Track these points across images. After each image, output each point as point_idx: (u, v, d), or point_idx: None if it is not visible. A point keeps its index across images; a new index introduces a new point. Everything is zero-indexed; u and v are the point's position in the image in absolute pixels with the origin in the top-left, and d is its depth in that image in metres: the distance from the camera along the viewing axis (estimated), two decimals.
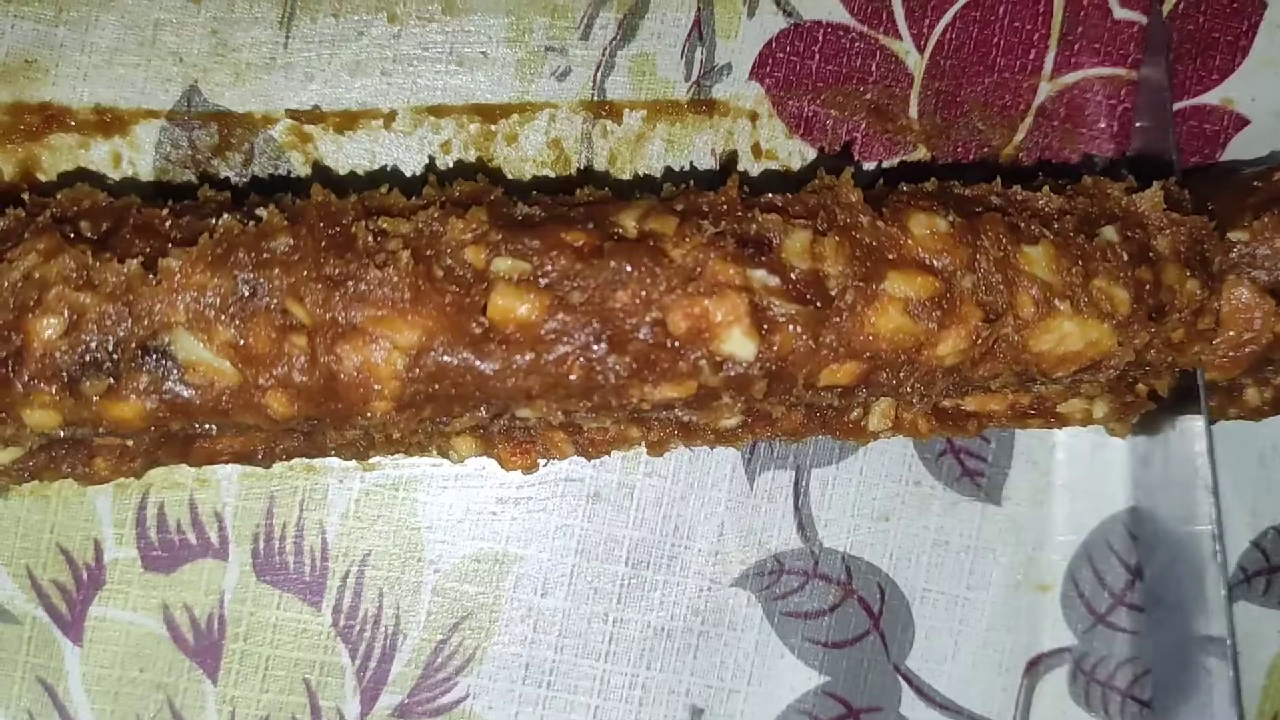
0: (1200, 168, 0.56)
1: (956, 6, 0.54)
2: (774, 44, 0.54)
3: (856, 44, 0.54)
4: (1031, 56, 0.55)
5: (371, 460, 0.52)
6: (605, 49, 0.53)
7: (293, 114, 0.52)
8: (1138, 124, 0.55)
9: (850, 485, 0.55)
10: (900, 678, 0.55)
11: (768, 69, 0.54)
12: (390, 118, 0.52)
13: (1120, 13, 0.55)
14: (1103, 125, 0.56)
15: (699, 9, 0.53)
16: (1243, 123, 0.56)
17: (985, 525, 0.56)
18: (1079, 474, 0.56)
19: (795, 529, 0.55)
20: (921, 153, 0.55)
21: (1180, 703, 0.53)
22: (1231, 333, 0.48)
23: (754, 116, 0.54)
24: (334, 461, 0.52)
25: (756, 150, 0.54)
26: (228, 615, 0.52)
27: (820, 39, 0.54)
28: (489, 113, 0.53)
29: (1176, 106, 0.56)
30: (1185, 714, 0.53)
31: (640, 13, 0.53)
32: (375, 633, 0.53)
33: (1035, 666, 0.56)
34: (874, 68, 0.54)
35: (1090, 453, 0.56)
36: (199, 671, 0.52)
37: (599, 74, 0.53)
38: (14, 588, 0.51)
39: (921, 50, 0.54)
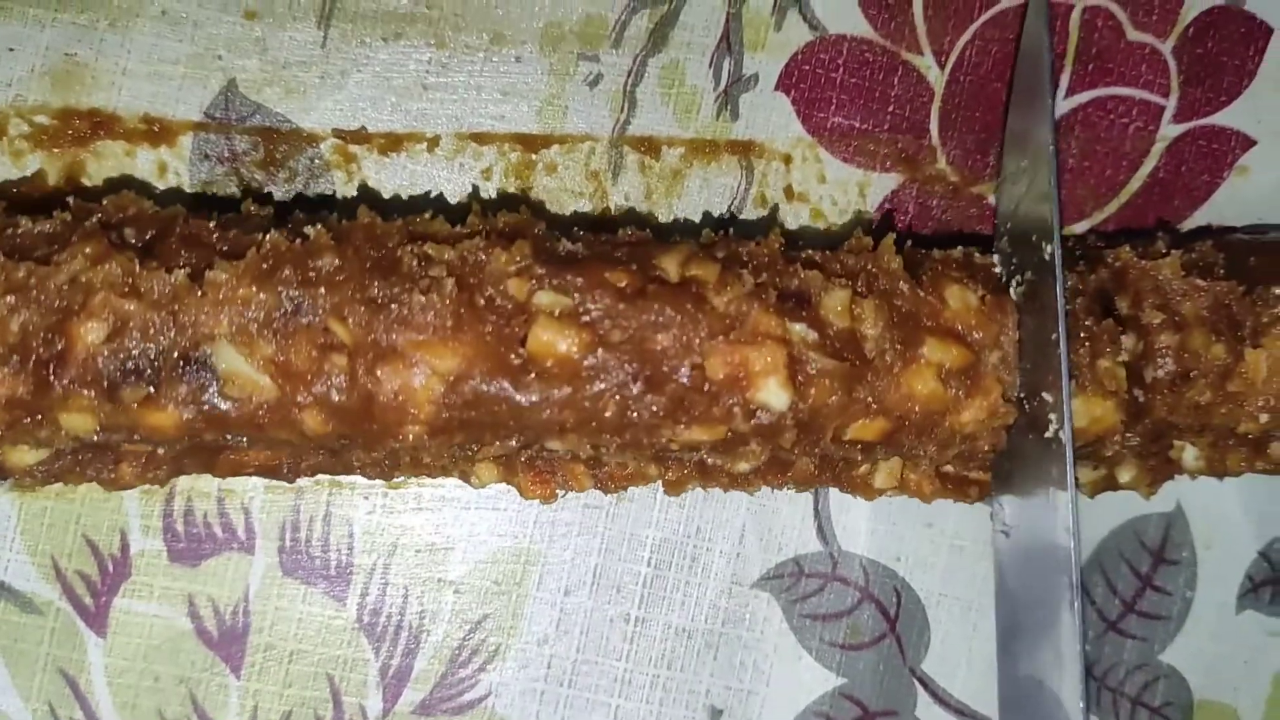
0: (1228, 229, 0.58)
1: (977, 24, 0.56)
2: (799, 56, 0.55)
3: (880, 58, 0.55)
4: None
5: (396, 480, 0.52)
6: (636, 57, 0.54)
7: (339, 133, 0.52)
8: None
9: None
10: (916, 681, 0.56)
11: (793, 80, 0.55)
12: (434, 142, 0.53)
13: (1133, 35, 0.57)
14: (1115, 147, 0.57)
15: (727, 20, 0.54)
16: (1249, 143, 0.58)
17: None
18: None
19: (814, 532, 0.55)
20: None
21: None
22: (1276, 384, 0.48)
23: (788, 159, 0.55)
24: (359, 479, 0.52)
25: (789, 192, 0.55)
26: (252, 609, 0.52)
27: (844, 52, 0.55)
28: (530, 142, 0.54)
29: (1184, 127, 0.57)
30: None
31: (670, 23, 0.54)
32: (399, 629, 0.53)
33: None
34: (896, 82, 0.55)
35: None
36: (222, 665, 0.52)
37: (629, 81, 0.54)
38: (38, 578, 0.51)
39: (942, 66, 0.56)
